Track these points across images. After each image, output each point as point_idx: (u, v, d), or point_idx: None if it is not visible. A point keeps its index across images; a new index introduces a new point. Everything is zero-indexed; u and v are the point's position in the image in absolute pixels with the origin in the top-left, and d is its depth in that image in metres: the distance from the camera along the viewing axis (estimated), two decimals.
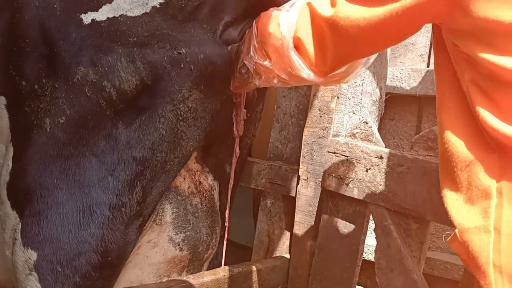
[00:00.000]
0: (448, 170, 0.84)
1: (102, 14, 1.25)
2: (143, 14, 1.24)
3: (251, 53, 1.16)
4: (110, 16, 1.24)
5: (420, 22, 0.88)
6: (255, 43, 1.15)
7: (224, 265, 1.53)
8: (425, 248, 1.35)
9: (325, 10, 0.96)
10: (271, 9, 1.16)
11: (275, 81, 1.15)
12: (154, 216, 1.36)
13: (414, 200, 1.29)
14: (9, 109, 1.34)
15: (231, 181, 1.57)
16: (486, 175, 0.77)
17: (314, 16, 1.00)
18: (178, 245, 1.42)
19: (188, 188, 1.45)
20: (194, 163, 1.48)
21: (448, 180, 0.84)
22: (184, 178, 1.44)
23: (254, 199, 2.35)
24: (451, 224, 0.82)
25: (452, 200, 0.82)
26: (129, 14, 1.24)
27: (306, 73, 1.05)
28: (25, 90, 1.28)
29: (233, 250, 1.70)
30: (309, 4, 1.02)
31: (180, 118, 1.27)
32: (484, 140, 0.78)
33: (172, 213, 1.40)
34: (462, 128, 0.82)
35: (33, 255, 1.24)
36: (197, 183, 1.49)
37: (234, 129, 1.52)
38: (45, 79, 1.27)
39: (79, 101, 1.23)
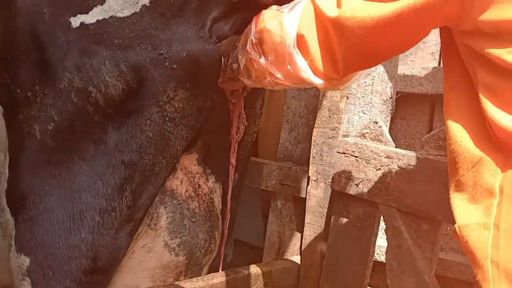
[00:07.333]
0: (455, 170, 0.84)
1: (92, 16, 1.23)
2: (132, 14, 1.22)
3: (248, 47, 1.12)
4: (100, 18, 1.22)
5: (429, 25, 0.86)
6: (253, 38, 1.12)
7: (235, 266, 1.52)
8: (436, 249, 1.33)
9: (330, 10, 0.93)
10: (272, 6, 1.14)
11: (266, 81, 1.12)
12: (148, 221, 1.35)
13: (425, 200, 1.28)
14: (6, 117, 1.35)
15: (230, 184, 1.52)
16: (491, 175, 0.77)
17: (319, 15, 0.96)
18: (174, 250, 1.40)
19: (186, 192, 1.42)
20: (195, 165, 1.45)
21: (455, 179, 0.84)
22: (182, 182, 1.42)
23: (263, 201, 2.34)
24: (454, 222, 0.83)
25: (457, 200, 0.83)
26: (119, 15, 1.22)
27: (306, 72, 1.01)
28: (19, 98, 1.28)
29: (244, 251, 1.69)
30: (313, 2, 0.98)
31: (167, 119, 1.25)
32: (490, 140, 0.78)
33: (167, 217, 1.38)
34: (469, 129, 0.82)
35: (26, 261, 1.24)
36: (196, 186, 1.45)
37: (231, 134, 1.45)
38: (38, 85, 1.27)
39: (66, 108, 1.23)
